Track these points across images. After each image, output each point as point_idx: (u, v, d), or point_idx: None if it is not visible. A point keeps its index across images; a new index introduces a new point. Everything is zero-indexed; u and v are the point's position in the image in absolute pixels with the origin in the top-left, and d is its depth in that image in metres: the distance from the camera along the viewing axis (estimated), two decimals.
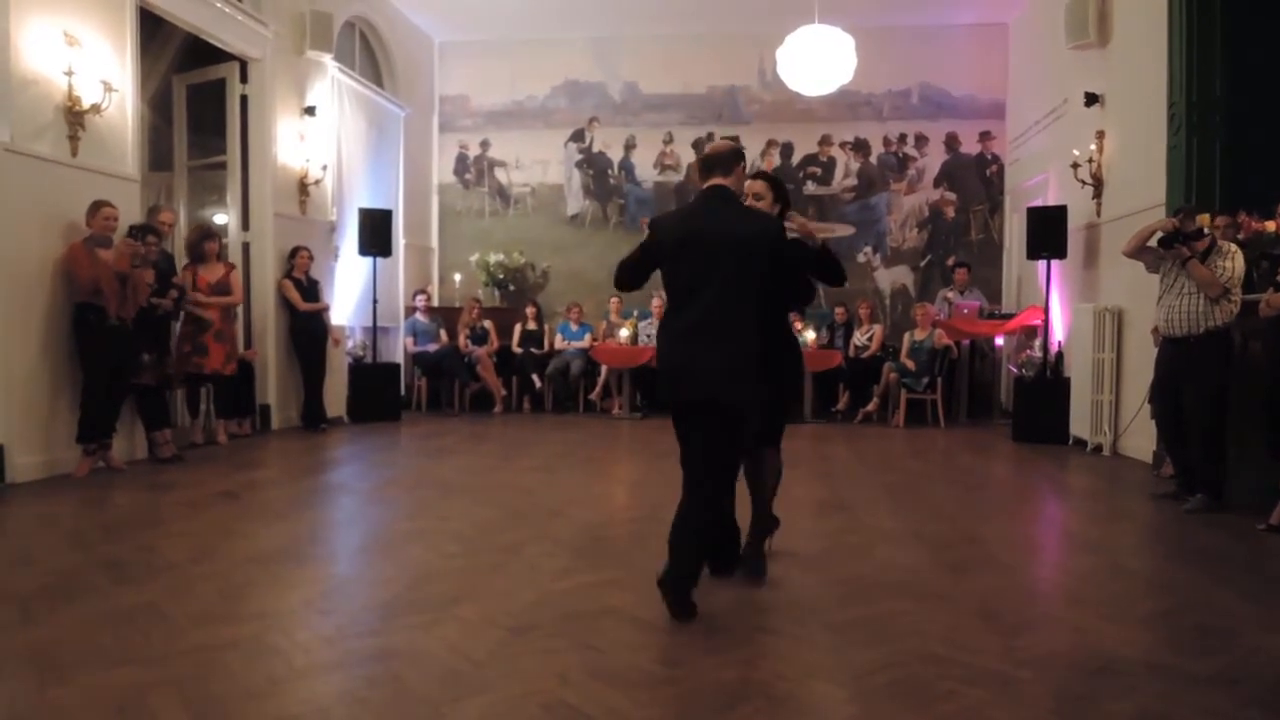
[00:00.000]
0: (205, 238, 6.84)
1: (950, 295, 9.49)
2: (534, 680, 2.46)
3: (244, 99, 7.71)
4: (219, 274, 6.74)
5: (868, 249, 10.67)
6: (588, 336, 9.81)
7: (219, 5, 7.03)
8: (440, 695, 2.37)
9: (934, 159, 10.57)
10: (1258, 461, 4.71)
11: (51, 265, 5.44)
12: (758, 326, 3.09)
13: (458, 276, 10.75)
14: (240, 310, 7.50)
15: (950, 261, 10.15)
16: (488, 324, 9.81)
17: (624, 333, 9.41)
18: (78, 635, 2.77)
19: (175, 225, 7.11)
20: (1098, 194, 7.42)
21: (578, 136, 11.13)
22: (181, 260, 7.02)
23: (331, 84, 8.63)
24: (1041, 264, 7.92)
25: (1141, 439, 6.39)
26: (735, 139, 10.84)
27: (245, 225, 7.81)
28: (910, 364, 8.75)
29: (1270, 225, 5.30)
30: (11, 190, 5.16)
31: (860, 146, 10.69)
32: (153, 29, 7.10)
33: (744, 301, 3.07)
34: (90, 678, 2.44)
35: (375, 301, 8.80)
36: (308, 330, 7.90)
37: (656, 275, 3.32)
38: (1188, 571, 3.70)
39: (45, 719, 2.23)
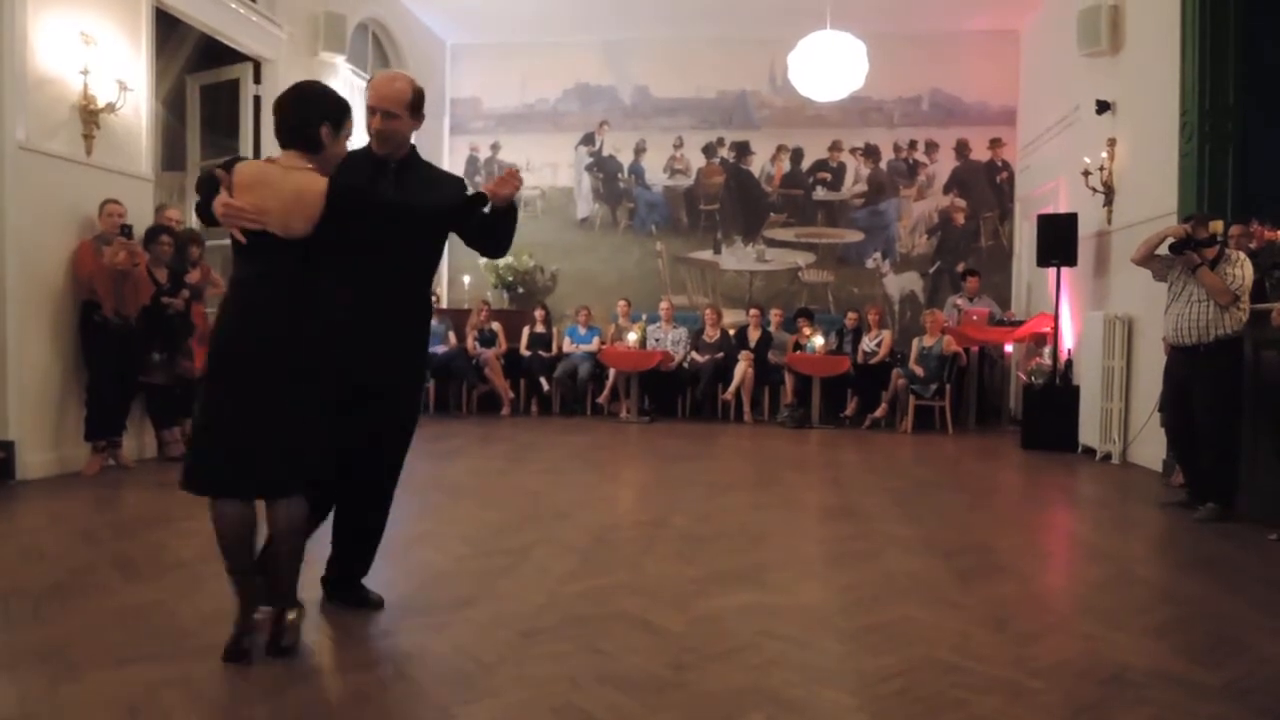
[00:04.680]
0: (189, 241, 6.78)
1: (960, 302, 9.47)
2: (544, 683, 2.46)
3: (257, 99, 7.73)
4: (194, 278, 6.56)
5: (877, 255, 10.66)
6: (596, 339, 9.81)
7: (233, 6, 7.06)
8: (450, 697, 2.37)
9: (944, 165, 10.56)
10: (1269, 470, 4.69)
11: (65, 264, 5.48)
12: None
13: (466, 278, 10.77)
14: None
15: (960, 268, 10.13)
16: (496, 326, 9.82)
17: (632, 336, 9.41)
18: (88, 632, 2.78)
19: (182, 223, 7.11)
20: (1109, 201, 7.40)
21: (588, 140, 11.15)
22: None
23: (344, 85, 8.65)
24: (1051, 271, 7.90)
25: (1151, 447, 6.37)
26: (746, 144, 10.87)
27: None
28: (919, 370, 8.73)
29: None
30: (27, 188, 5.19)
31: (870, 152, 10.68)
32: (167, 29, 7.14)
33: None
34: (101, 675, 2.45)
35: None
36: None
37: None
38: (1198, 581, 3.69)
39: (56, 716, 2.23)
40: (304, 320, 2.60)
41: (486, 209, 2.89)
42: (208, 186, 2.59)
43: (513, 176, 2.83)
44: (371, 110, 2.87)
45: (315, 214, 2.56)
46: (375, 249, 2.76)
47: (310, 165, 2.62)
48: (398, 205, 2.79)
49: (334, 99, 2.69)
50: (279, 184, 2.57)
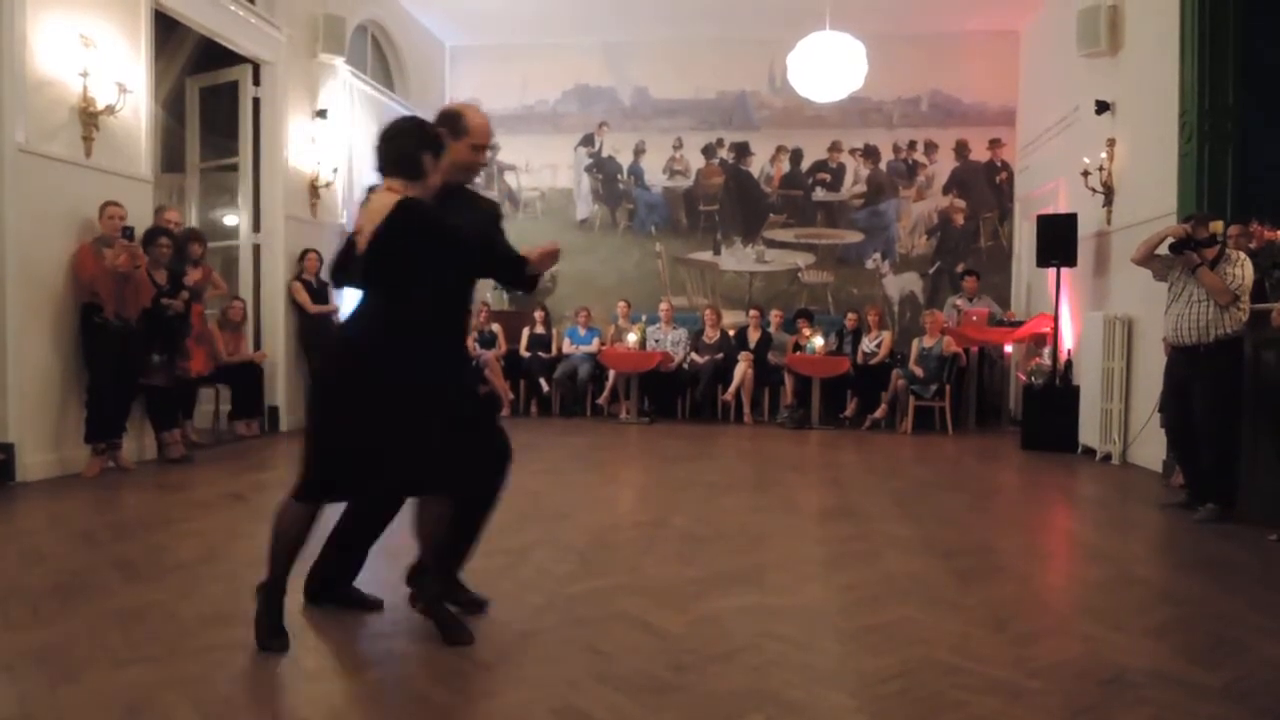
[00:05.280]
0: (190, 239, 6.80)
1: (959, 303, 9.48)
2: (543, 684, 2.46)
3: (256, 101, 7.75)
4: (195, 278, 6.61)
5: (876, 255, 10.66)
6: (595, 340, 9.82)
7: (232, 8, 7.07)
8: (449, 698, 2.37)
9: (944, 166, 10.55)
10: (1269, 471, 4.69)
11: (65, 266, 5.48)
12: None
13: None
14: (248, 311, 7.59)
15: (960, 269, 10.13)
16: (496, 328, 9.82)
17: (632, 337, 9.41)
18: (88, 634, 2.78)
19: (180, 225, 7.12)
20: (1108, 202, 7.40)
21: (587, 141, 11.15)
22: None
23: (343, 87, 8.66)
24: (1051, 271, 7.90)
25: (1151, 448, 6.36)
26: (745, 144, 10.88)
27: (256, 227, 7.85)
28: (919, 371, 8.73)
29: None
30: (26, 190, 5.20)
31: (870, 153, 10.68)
32: (167, 31, 7.15)
33: None
34: (100, 676, 2.45)
35: None
36: (317, 332, 7.92)
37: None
38: (1198, 582, 3.68)
39: (56, 716, 2.23)
40: (398, 341, 2.69)
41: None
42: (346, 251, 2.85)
43: (554, 254, 2.96)
44: (480, 148, 2.99)
45: (375, 230, 2.67)
46: (427, 268, 2.81)
47: (408, 191, 2.73)
48: (458, 234, 2.83)
49: (432, 130, 2.84)
50: (367, 211, 2.73)
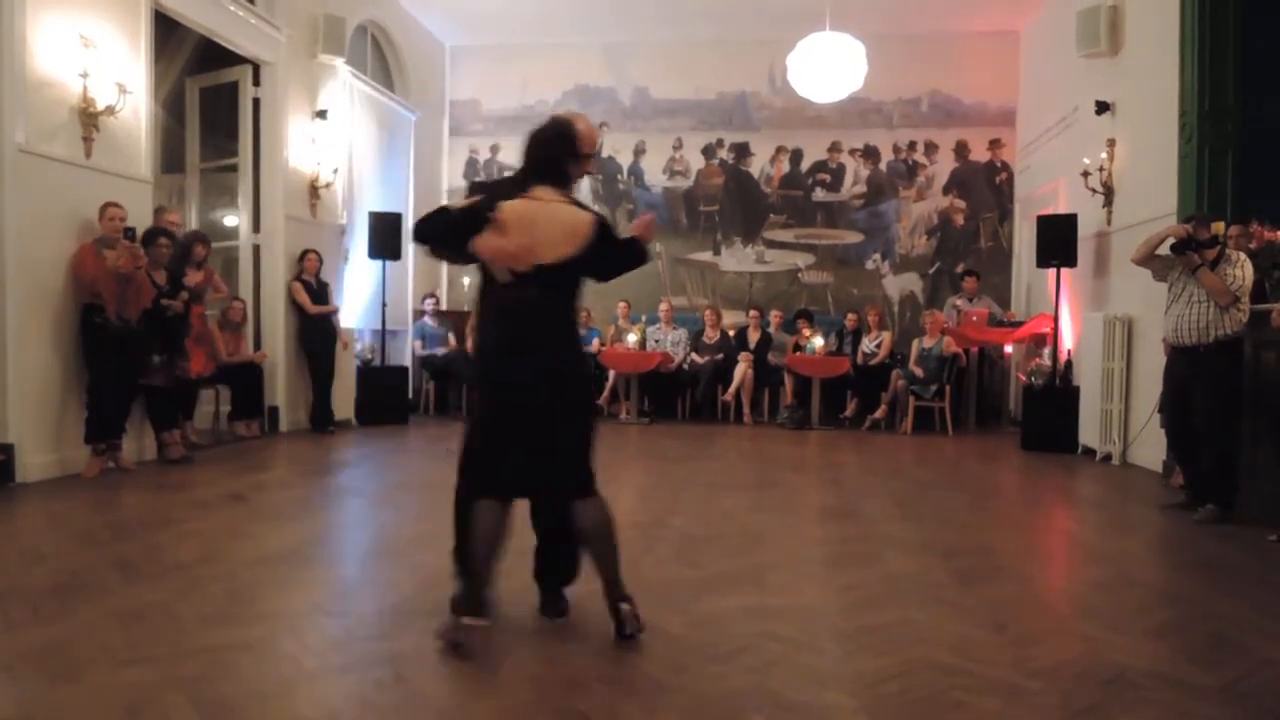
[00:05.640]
0: (194, 241, 6.79)
1: (959, 303, 9.48)
2: (543, 685, 2.46)
3: (256, 102, 7.75)
4: (197, 280, 6.61)
5: (876, 256, 10.66)
6: (595, 341, 9.81)
7: (232, 8, 7.06)
8: (449, 700, 2.37)
9: (944, 166, 10.55)
10: (1269, 472, 4.69)
11: (64, 266, 5.47)
12: None
13: (466, 280, 10.75)
14: (248, 312, 7.59)
15: (960, 269, 10.14)
16: None
17: (631, 337, 9.41)
18: (87, 634, 2.78)
19: (180, 226, 7.12)
20: (1108, 202, 7.40)
21: None
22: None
23: (343, 87, 8.66)
24: (1051, 272, 7.90)
25: (1151, 449, 6.37)
26: (745, 145, 10.88)
27: (256, 227, 7.85)
28: (919, 371, 8.73)
29: None
30: (26, 191, 5.19)
31: (870, 153, 10.68)
32: (166, 31, 7.14)
33: None
34: (100, 676, 2.45)
35: (384, 305, 8.83)
36: (317, 332, 7.93)
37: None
38: (1198, 583, 3.69)
39: (55, 716, 2.24)
40: (568, 338, 2.84)
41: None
42: (463, 220, 2.77)
43: (654, 221, 3.09)
44: (589, 156, 3.05)
45: (581, 243, 2.76)
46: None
47: (565, 199, 2.83)
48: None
49: (574, 138, 2.88)
50: (547, 218, 2.76)
